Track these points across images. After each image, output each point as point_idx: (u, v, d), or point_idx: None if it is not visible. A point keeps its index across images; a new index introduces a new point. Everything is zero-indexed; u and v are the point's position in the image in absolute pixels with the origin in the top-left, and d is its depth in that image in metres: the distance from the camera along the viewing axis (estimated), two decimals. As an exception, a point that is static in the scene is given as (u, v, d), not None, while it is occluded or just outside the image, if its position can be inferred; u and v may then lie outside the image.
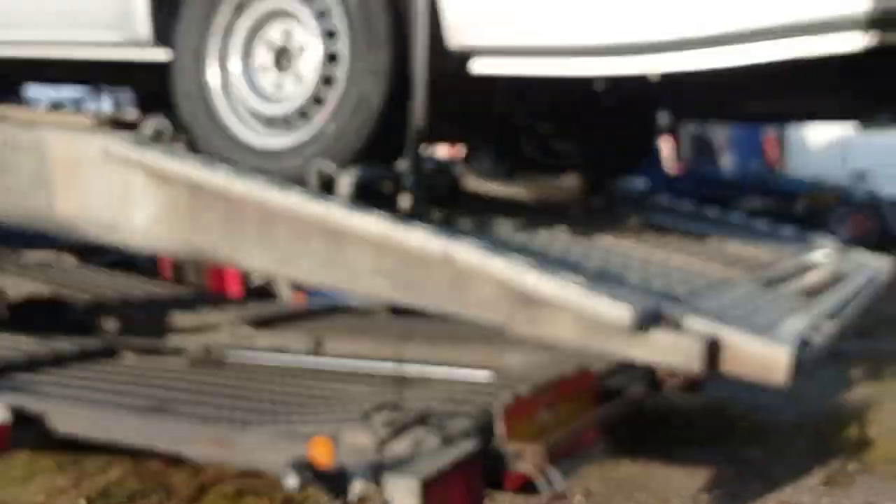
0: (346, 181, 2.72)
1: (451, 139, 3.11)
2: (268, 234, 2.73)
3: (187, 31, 3.12)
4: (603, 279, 2.59)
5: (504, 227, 3.13)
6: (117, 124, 3.20)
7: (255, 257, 2.76)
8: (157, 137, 3.11)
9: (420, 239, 2.33)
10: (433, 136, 2.77)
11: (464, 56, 2.72)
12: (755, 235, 4.65)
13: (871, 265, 4.41)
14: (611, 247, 3.14)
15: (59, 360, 3.88)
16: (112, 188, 3.08)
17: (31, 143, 3.31)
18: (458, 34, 2.66)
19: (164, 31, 3.28)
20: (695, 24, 2.30)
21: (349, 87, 2.80)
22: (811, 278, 3.46)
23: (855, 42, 2.16)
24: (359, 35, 2.77)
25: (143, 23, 3.28)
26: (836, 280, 3.56)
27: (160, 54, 3.35)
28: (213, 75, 3.11)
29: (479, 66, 2.73)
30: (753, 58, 2.30)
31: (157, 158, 2.87)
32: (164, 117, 3.18)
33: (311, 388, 3.22)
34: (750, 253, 3.98)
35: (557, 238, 3.13)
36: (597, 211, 4.49)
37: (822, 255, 4.32)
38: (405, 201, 2.78)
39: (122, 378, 3.48)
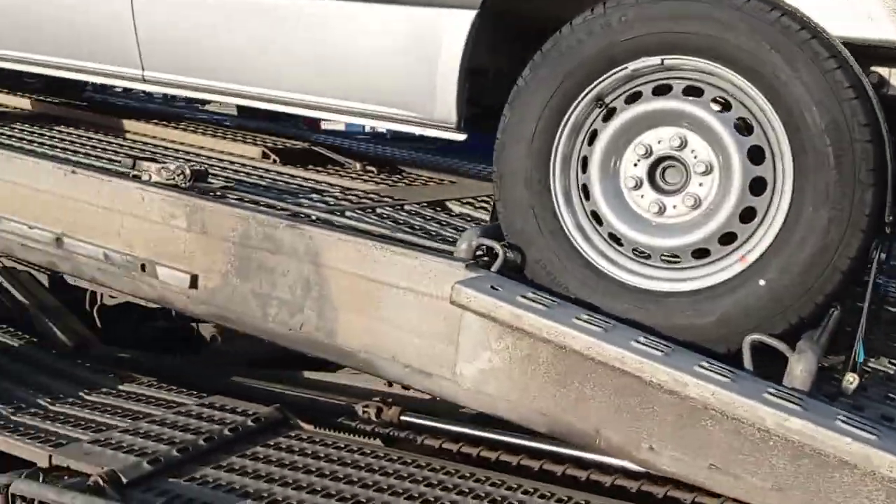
0: (801, 368, 1.90)
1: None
2: (691, 432, 1.92)
3: (525, 124, 2.25)
4: None
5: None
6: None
7: (665, 457, 1.96)
8: (475, 260, 2.27)
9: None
10: None
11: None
12: None
13: None
14: None
15: (231, 441, 3.03)
16: (426, 324, 2.25)
17: (297, 246, 2.45)
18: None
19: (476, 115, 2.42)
20: None
21: (790, 232, 1.96)
22: None
23: None
24: (819, 168, 1.92)
25: (446, 107, 2.40)
26: None
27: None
28: (561, 185, 2.26)
29: None
30: None
31: (515, 314, 2.01)
32: (483, 231, 2.34)
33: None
34: None
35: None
36: None
37: None
38: (851, 382, 1.98)
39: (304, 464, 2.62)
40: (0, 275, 4.25)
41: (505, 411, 2.17)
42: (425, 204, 3.37)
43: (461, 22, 2.32)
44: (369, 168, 4.07)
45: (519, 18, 2.40)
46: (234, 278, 2.56)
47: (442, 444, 2.95)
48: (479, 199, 3.65)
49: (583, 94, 2.20)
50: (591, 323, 2.00)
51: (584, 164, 2.26)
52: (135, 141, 4.06)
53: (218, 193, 2.82)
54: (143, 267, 2.69)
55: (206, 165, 3.12)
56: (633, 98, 2.19)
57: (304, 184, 3.53)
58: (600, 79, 2.17)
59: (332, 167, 4.04)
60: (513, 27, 2.46)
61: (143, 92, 7.45)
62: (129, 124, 4.40)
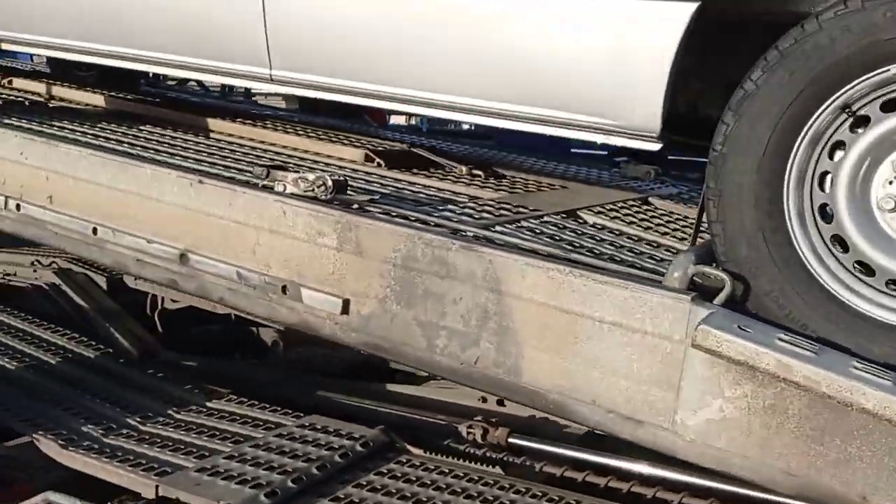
0: None
1: None
2: None
3: (755, 134, 1.93)
4: None
5: None
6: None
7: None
8: (700, 289, 1.96)
9: None
10: None
11: None
12: None
13: None
14: None
15: (343, 468, 2.73)
16: (637, 364, 1.94)
17: (474, 271, 2.15)
18: None
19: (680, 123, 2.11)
20: None
21: None
22: None
23: None
24: None
25: (648, 114, 2.09)
26: None
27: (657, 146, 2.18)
28: (795, 205, 1.94)
29: None
30: None
31: (784, 363, 1.70)
32: (697, 257, 2.02)
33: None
34: None
35: None
36: None
37: None
38: None
39: (427, 497, 2.33)
40: (58, 277, 4.01)
41: (739, 469, 1.86)
42: (563, 214, 3.08)
43: (679, 15, 1.99)
44: (475, 172, 3.77)
45: (732, 11, 2.08)
46: (393, 304, 2.26)
47: (564, 472, 2.70)
48: (607, 207, 3.36)
49: (830, 101, 1.87)
50: (872, 374, 1.69)
51: (821, 180, 1.96)
52: (230, 142, 3.77)
53: (356, 207, 2.53)
54: (284, 289, 2.40)
55: (345, 175, 2.81)
56: (892, 105, 1.87)
57: (426, 191, 3.22)
58: (853, 83, 1.85)
59: (434, 170, 3.75)
60: (714, 20, 2.15)
61: (199, 85, 7.16)
62: (212, 123, 4.13)
